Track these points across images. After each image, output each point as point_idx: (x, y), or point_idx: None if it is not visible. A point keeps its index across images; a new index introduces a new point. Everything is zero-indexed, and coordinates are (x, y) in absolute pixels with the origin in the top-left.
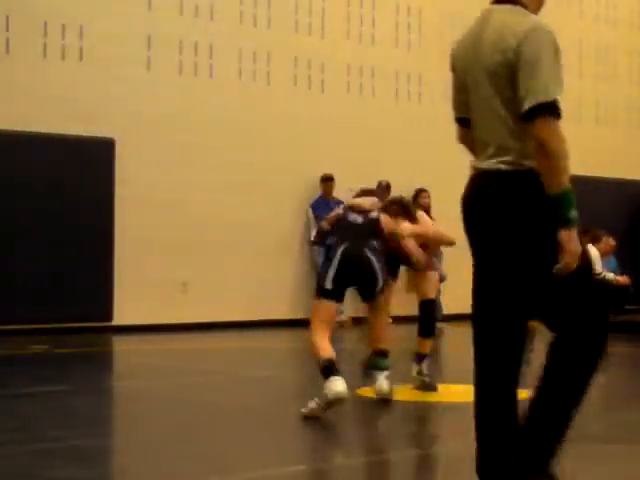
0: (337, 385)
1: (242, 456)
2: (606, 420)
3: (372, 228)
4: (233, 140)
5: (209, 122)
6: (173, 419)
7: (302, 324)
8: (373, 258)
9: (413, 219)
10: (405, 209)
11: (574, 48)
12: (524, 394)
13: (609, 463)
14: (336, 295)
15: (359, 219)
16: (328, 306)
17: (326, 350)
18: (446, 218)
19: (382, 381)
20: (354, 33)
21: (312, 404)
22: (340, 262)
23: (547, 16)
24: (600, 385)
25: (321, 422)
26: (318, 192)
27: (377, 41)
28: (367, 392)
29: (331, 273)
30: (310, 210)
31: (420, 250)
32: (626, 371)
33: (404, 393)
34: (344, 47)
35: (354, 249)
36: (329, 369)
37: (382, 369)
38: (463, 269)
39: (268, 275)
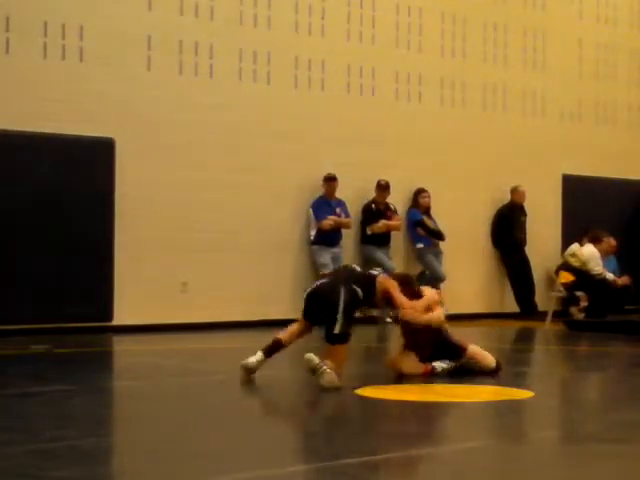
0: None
1: (242, 456)
2: (605, 420)
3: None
4: (233, 140)
5: (209, 122)
6: (173, 419)
7: None
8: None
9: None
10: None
11: (574, 48)
12: (524, 394)
13: (607, 462)
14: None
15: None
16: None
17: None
18: (446, 217)
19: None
20: (354, 33)
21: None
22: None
23: (547, 16)
24: (599, 385)
25: (321, 422)
26: (319, 192)
27: (377, 41)
28: (365, 392)
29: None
30: (310, 210)
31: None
32: (625, 371)
33: (404, 393)
34: (344, 47)
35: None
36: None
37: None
38: (462, 270)
39: (268, 275)
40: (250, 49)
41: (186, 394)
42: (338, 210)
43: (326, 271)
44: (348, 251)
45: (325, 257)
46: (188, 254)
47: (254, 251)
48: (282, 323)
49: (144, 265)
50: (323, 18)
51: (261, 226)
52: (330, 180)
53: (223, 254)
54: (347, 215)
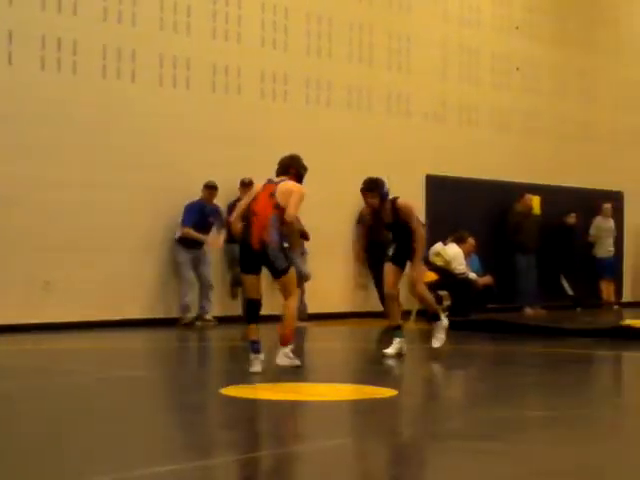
0: None
1: (109, 457)
2: (468, 417)
3: None
4: (94, 139)
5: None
6: (39, 422)
7: (158, 324)
8: None
9: None
10: None
11: (438, 50)
12: (387, 392)
13: (470, 459)
14: None
15: None
16: None
17: None
18: (309, 216)
19: None
20: (220, 32)
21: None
22: None
23: (412, 18)
24: (462, 382)
25: (190, 423)
26: (190, 192)
27: (243, 40)
28: (230, 391)
29: None
30: (183, 208)
31: None
32: (488, 369)
33: (267, 392)
34: (209, 45)
35: None
36: None
37: None
38: (327, 269)
39: (128, 274)
40: (114, 46)
41: (51, 396)
42: (211, 219)
43: (184, 270)
44: (218, 250)
45: (183, 256)
46: (52, 253)
47: (119, 250)
48: (137, 323)
49: (6, 264)
50: (189, 16)
51: (127, 225)
52: (210, 188)
53: (83, 253)
54: (220, 222)
